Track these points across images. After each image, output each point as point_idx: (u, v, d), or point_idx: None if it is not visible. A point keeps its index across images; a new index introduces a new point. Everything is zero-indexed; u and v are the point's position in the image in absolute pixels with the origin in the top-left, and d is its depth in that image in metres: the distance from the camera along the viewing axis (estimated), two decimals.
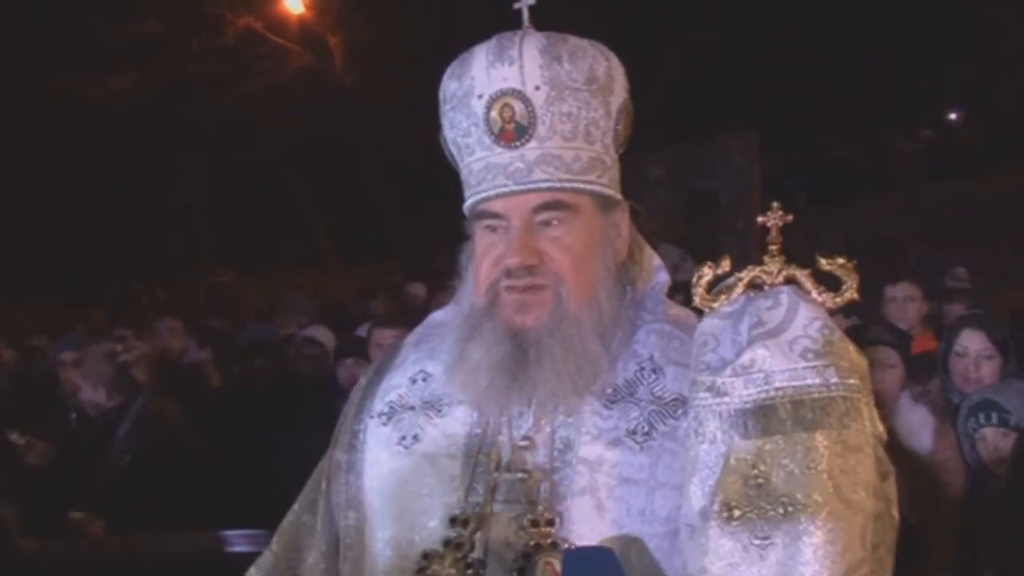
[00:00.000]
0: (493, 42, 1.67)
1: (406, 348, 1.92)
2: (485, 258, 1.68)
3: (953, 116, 25.76)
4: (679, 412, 1.62)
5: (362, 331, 6.54)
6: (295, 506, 1.96)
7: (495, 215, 1.66)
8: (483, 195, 1.66)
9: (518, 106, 1.62)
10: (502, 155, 1.64)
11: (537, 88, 1.62)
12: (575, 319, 1.63)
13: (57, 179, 18.96)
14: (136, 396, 4.78)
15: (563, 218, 1.65)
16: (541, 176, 1.63)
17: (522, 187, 1.63)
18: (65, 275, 18.24)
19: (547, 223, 1.64)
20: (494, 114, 1.63)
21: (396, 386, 1.84)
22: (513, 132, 1.63)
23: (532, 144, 1.63)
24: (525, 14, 1.71)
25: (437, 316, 1.94)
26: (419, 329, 1.95)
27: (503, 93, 1.63)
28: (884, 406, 3.84)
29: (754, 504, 1.37)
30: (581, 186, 1.66)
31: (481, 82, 1.65)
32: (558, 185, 1.64)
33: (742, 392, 1.43)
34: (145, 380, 5.38)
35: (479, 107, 1.65)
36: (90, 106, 17.81)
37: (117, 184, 19.33)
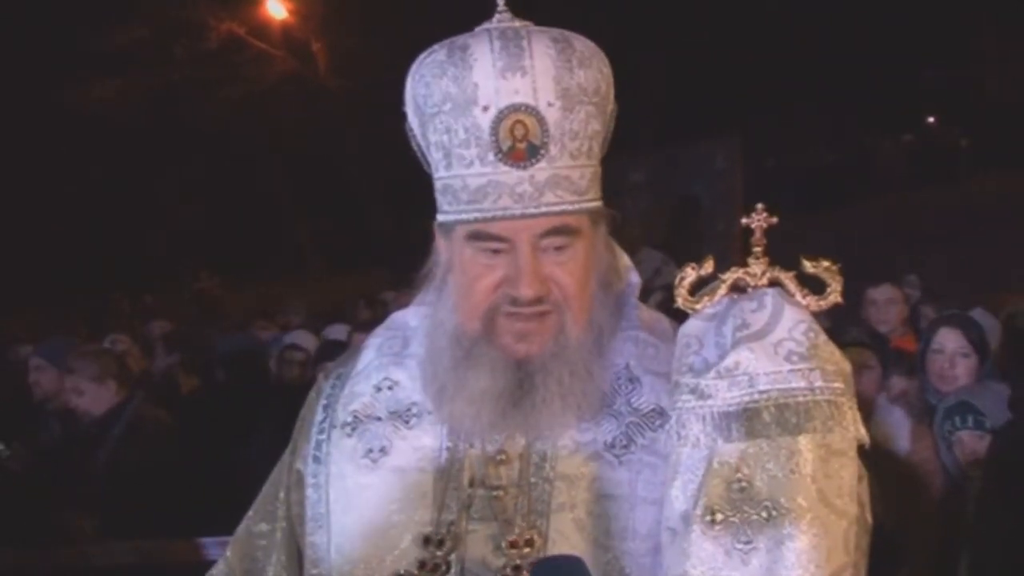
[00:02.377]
0: (496, 43, 1.54)
1: (368, 352, 1.82)
2: (481, 280, 1.57)
3: (935, 120, 25.93)
4: (657, 424, 1.59)
5: (332, 333, 6.53)
6: (249, 514, 1.88)
7: (497, 238, 1.55)
8: (484, 215, 1.54)
9: (531, 124, 1.51)
10: (508, 174, 1.52)
11: (550, 104, 1.52)
12: (578, 344, 1.58)
13: (40, 186, 18.85)
14: (131, 395, 4.73)
15: (568, 243, 1.56)
16: (552, 199, 1.53)
17: (532, 211, 1.53)
18: (46, 282, 18.11)
19: (552, 248, 1.56)
20: (503, 131, 1.51)
21: (360, 394, 1.76)
22: (524, 152, 1.52)
23: (542, 164, 1.52)
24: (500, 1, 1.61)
25: (399, 317, 1.85)
26: (380, 331, 1.85)
27: (514, 109, 1.51)
28: (861, 408, 3.84)
29: (737, 508, 1.35)
30: (586, 206, 1.58)
31: (487, 92, 1.51)
32: (568, 208, 1.55)
33: (726, 395, 1.41)
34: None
35: (484, 120, 1.52)
36: (72, 113, 17.71)
37: (100, 191, 19.24)
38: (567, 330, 1.58)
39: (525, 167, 1.53)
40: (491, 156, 1.53)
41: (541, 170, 1.53)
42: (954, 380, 4.04)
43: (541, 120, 1.52)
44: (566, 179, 1.55)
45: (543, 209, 1.53)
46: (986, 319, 5.35)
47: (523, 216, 1.53)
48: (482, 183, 1.54)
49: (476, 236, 1.56)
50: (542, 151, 1.52)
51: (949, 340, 4.13)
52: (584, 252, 1.59)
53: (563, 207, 1.54)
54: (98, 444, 4.50)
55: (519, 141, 1.52)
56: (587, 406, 1.59)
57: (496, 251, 1.56)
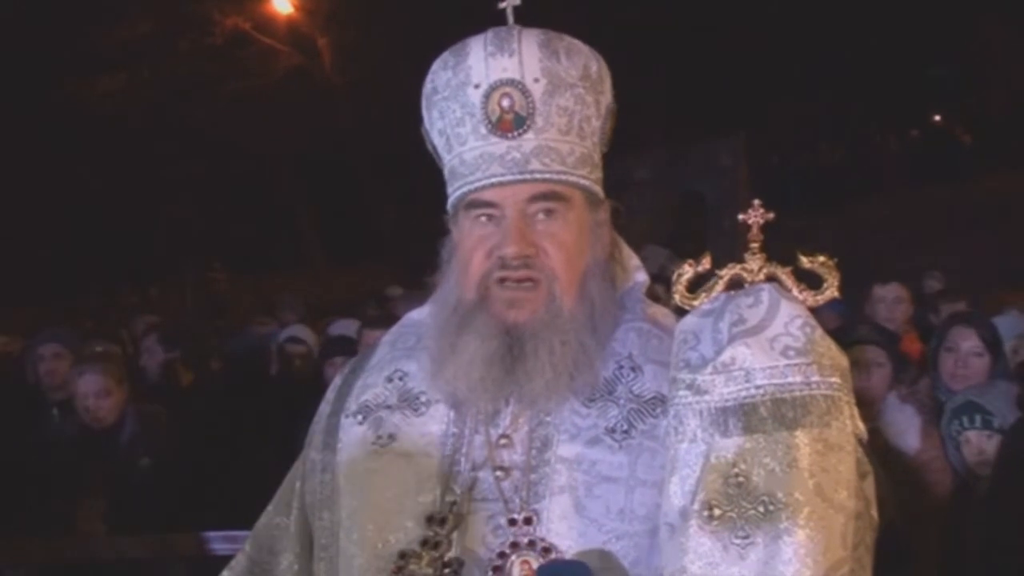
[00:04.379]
0: (490, 34, 1.66)
1: (382, 347, 1.89)
2: (477, 250, 1.65)
3: (941, 117, 25.88)
4: (658, 411, 1.60)
5: (338, 328, 6.55)
6: (269, 508, 1.94)
7: (489, 204, 1.64)
8: (477, 184, 1.64)
9: (517, 96, 1.62)
10: (498, 144, 1.63)
11: (536, 80, 1.62)
12: (570, 314, 1.63)
13: (44, 181, 18.86)
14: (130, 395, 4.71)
15: (557, 210, 1.64)
16: (538, 166, 1.62)
17: (519, 176, 1.62)
18: (48, 278, 18.12)
19: (541, 214, 1.63)
20: (492, 103, 1.62)
21: (372, 385, 1.81)
22: (511, 122, 1.62)
23: (529, 135, 1.62)
24: (510, 13, 1.70)
25: (414, 315, 1.91)
26: (395, 328, 1.92)
27: (502, 83, 1.62)
28: (871, 406, 3.83)
29: (735, 503, 1.37)
30: (575, 179, 1.65)
31: (479, 72, 1.64)
32: (555, 177, 1.63)
33: (723, 390, 1.42)
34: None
35: (476, 96, 1.63)
36: (78, 108, 17.73)
37: (104, 185, 19.24)
38: (558, 300, 1.63)
39: (513, 137, 1.63)
40: (483, 129, 1.64)
41: (528, 140, 1.63)
42: (967, 380, 4.00)
43: (527, 93, 1.63)
44: (554, 150, 1.64)
45: (529, 175, 1.63)
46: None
47: (511, 182, 1.63)
48: (475, 156, 1.65)
49: (471, 205, 1.66)
50: (528, 122, 1.63)
51: (963, 339, 4.09)
52: (576, 224, 1.66)
53: (548, 175, 1.63)
54: (115, 443, 4.49)
55: (506, 112, 1.63)
56: (580, 377, 1.62)
57: (490, 218, 1.65)
